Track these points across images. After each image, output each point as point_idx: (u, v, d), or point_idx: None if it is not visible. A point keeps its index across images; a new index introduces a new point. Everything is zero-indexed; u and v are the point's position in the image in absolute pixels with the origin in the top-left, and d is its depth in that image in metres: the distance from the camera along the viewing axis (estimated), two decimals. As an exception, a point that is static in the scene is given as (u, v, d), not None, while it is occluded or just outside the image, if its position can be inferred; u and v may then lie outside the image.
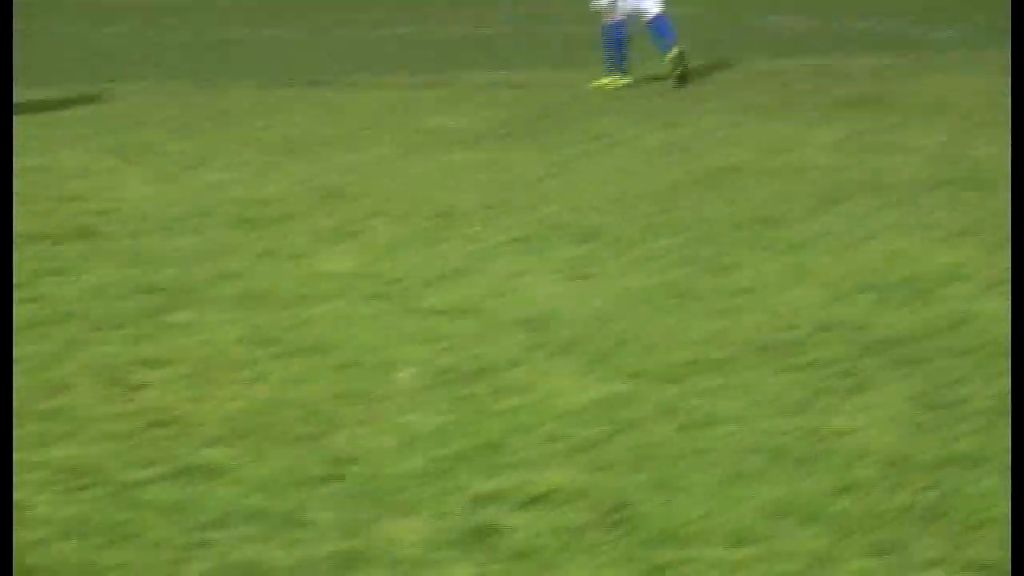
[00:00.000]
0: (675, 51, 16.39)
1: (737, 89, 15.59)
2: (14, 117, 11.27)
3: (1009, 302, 6.92)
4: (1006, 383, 5.65)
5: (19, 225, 9.00)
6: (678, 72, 16.15)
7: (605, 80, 16.25)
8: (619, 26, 16.75)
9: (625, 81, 16.39)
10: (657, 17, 16.95)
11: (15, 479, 4.78)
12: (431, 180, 10.53)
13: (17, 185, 10.32)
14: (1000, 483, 4.79)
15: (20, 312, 7.03)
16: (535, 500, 4.81)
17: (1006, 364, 6.09)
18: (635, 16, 16.55)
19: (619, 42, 16.75)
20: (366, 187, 10.24)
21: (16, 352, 6.33)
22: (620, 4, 16.72)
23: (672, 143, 12.01)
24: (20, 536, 4.47)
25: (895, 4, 29.31)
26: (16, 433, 5.18)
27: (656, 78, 16.32)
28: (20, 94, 15.49)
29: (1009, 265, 7.64)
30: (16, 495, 4.70)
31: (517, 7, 28.79)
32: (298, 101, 15.18)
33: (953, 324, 6.68)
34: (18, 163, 11.23)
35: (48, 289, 7.49)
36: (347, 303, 7.21)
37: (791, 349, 6.35)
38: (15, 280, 7.59)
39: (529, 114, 13.97)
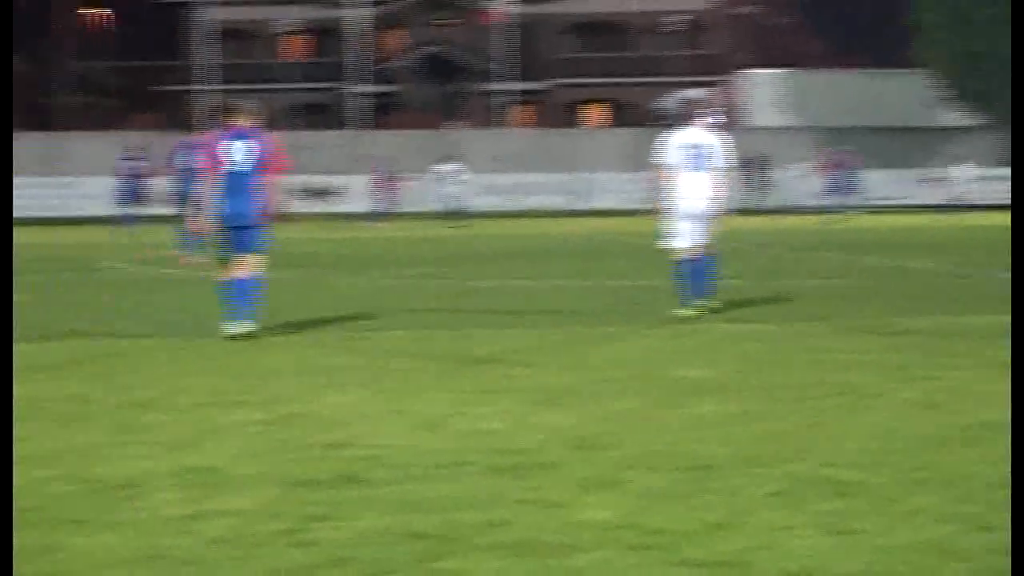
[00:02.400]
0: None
1: (985, 345, 15.42)
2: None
3: None
4: None
5: (289, 470, 9.23)
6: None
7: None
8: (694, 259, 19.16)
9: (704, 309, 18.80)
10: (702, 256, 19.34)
11: None
12: (684, 432, 10.54)
13: (285, 431, 10.62)
14: None
15: (295, 555, 7.19)
16: None
17: None
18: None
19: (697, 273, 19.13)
20: (620, 437, 10.29)
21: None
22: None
23: (924, 399, 11.91)
24: None
25: None
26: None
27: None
28: (282, 342, 15.96)
29: None
30: None
31: (764, 261, 28.88)
32: (547, 350, 15.37)
33: None
34: (285, 409, 11.57)
35: (321, 534, 7.62)
36: (611, 553, 7.22)
37: (1062, 611, 6.25)
38: (288, 525, 7.77)
39: (773, 366, 13.98)
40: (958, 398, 11.91)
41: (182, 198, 29.85)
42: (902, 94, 73.18)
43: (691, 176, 19.09)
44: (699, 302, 19.00)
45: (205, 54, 78.20)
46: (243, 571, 6.97)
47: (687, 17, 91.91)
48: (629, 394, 12.35)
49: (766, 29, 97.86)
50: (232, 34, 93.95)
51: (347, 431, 10.61)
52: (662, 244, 19.82)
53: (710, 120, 19.59)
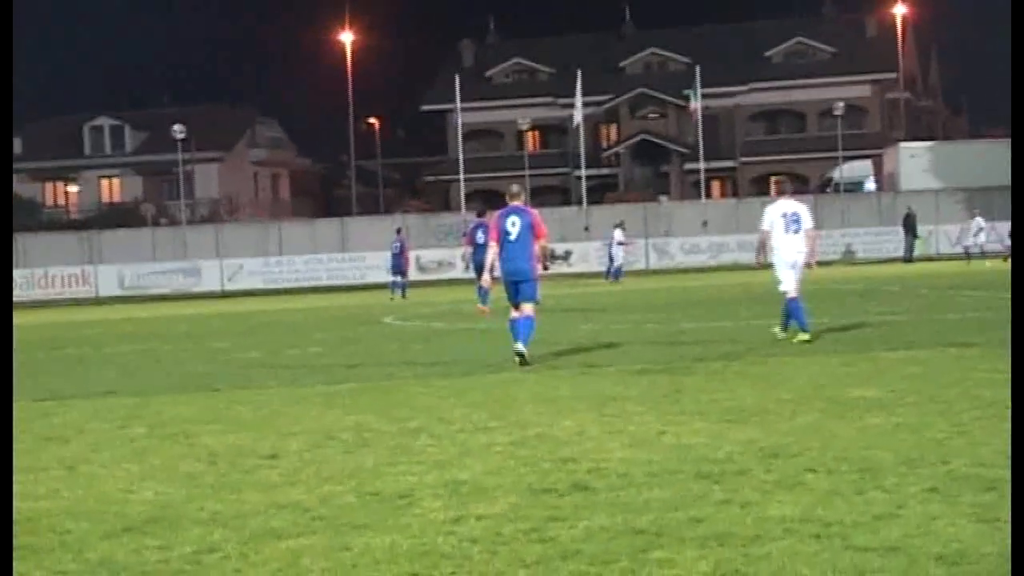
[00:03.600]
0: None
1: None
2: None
3: None
4: None
5: (531, 481, 9.23)
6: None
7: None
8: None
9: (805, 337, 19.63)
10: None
11: None
12: (854, 441, 10.35)
13: (526, 450, 10.64)
14: None
15: (536, 549, 7.18)
16: None
17: None
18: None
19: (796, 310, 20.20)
20: (801, 448, 10.14)
21: (532, 582, 6.49)
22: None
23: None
24: None
25: None
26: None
27: None
28: (523, 378, 16.02)
29: None
30: None
31: (918, 299, 28.31)
32: (739, 375, 15.23)
33: None
34: (525, 432, 11.59)
35: (556, 532, 7.60)
36: (793, 542, 7.10)
37: None
38: (530, 526, 7.77)
39: (928, 384, 13.69)
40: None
41: (478, 264, 30.52)
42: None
43: (787, 237, 20.50)
44: (793, 331, 20.09)
45: (460, 150, 79.06)
46: (494, 563, 6.98)
47: (851, 103, 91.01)
48: (808, 411, 12.18)
49: (915, 110, 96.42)
50: (481, 134, 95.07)
51: (576, 448, 10.60)
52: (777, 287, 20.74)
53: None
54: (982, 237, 57.64)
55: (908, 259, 61.03)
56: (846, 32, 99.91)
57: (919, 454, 9.60)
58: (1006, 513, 7.49)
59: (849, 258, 64.29)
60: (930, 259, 61.90)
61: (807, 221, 20.63)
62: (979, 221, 58.35)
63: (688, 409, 12.68)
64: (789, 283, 20.30)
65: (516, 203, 18.80)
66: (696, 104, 78.60)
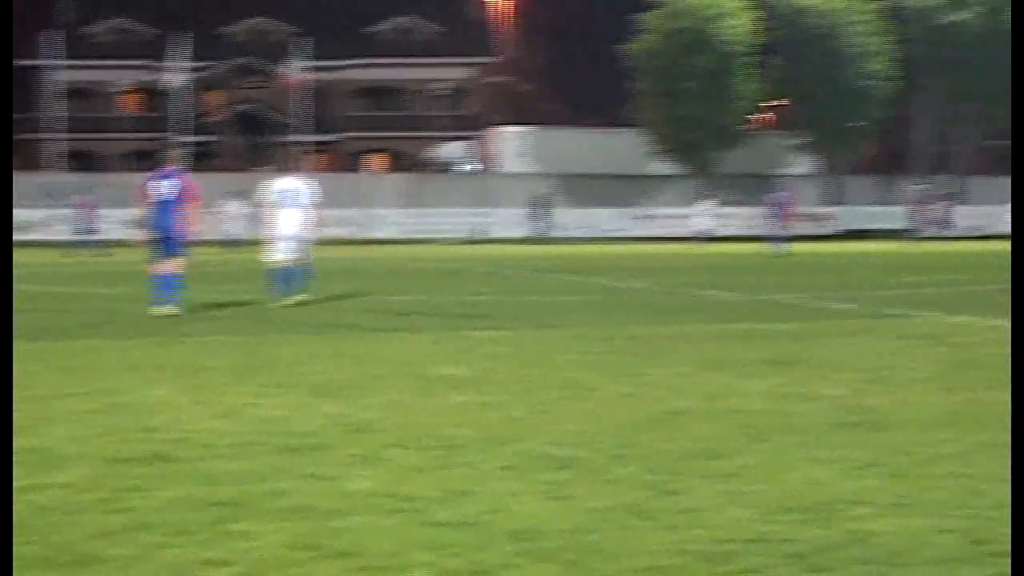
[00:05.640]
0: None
1: (682, 347, 15.71)
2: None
3: (908, 520, 6.99)
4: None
5: (105, 450, 9.07)
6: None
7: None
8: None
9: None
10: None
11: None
12: (439, 418, 10.56)
13: (108, 418, 10.42)
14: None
15: (110, 520, 7.06)
16: None
17: (900, 572, 6.13)
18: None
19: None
20: (386, 423, 10.28)
21: (105, 553, 6.38)
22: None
23: (631, 391, 12.07)
24: None
25: (801, 282, 29.72)
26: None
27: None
28: (109, 345, 15.64)
29: (908, 492, 7.71)
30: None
31: (506, 280, 29.03)
32: (333, 350, 15.30)
33: (857, 539, 6.70)
34: (112, 399, 11.36)
35: (132, 503, 7.50)
36: (372, 517, 7.20)
37: (727, 558, 6.36)
38: (106, 494, 7.64)
39: (513, 364, 14.07)
40: (657, 390, 12.09)
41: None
42: (624, 148, 74.07)
43: (286, 211, 23.10)
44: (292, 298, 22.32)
45: (53, 108, 76.50)
46: (67, 532, 6.82)
47: (451, 84, 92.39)
48: (395, 387, 12.35)
49: (516, 94, 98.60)
50: (78, 93, 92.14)
51: (162, 418, 10.46)
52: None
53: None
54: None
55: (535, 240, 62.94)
56: (453, 13, 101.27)
57: (500, 432, 9.87)
58: (578, 491, 7.81)
59: (476, 237, 65.08)
60: (538, 242, 63.41)
61: (307, 197, 23.24)
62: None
63: (279, 382, 12.66)
64: (282, 254, 22.84)
65: (169, 167, 21.10)
66: (300, 76, 78.35)
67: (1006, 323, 18.45)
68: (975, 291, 27.17)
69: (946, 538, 6.71)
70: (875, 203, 72.63)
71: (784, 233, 49.59)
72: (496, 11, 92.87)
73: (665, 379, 12.89)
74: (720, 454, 8.93)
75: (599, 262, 42.52)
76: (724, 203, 63.78)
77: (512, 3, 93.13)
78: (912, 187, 66.33)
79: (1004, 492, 7.60)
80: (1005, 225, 66.14)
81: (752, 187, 68.23)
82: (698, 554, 6.44)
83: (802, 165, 75.32)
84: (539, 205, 66.19)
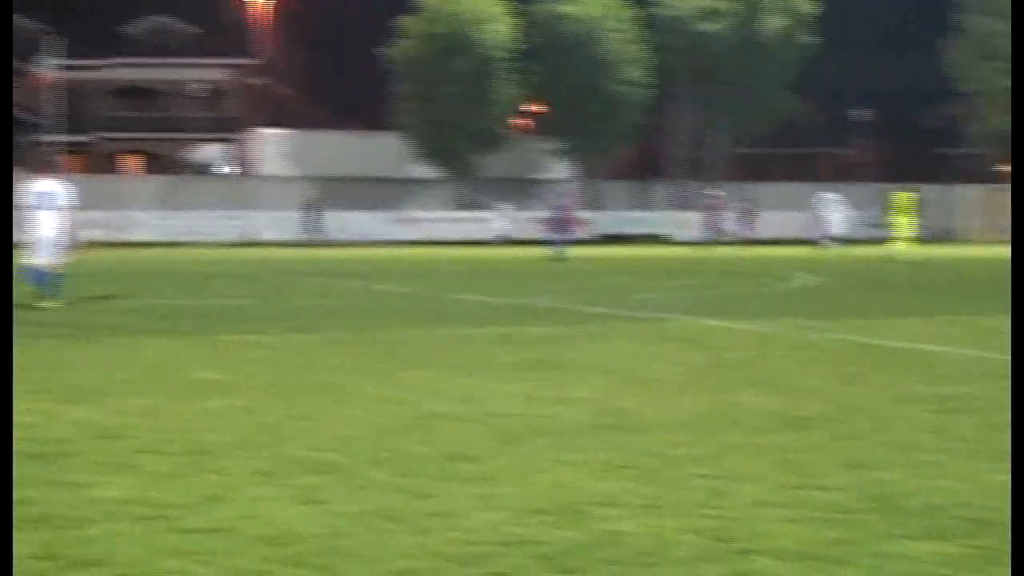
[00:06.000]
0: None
1: (441, 351, 15.78)
2: None
3: (657, 520, 7.13)
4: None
5: None
6: None
7: None
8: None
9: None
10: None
11: None
12: (192, 423, 10.42)
13: None
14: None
15: None
16: None
17: (649, 572, 6.26)
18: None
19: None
20: (136, 429, 10.10)
21: None
22: None
23: (388, 395, 12.07)
24: None
25: (563, 287, 30.15)
26: None
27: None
28: None
29: (658, 493, 7.86)
30: None
31: (266, 284, 28.79)
32: (83, 354, 14.97)
33: (607, 540, 6.81)
34: None
35: None
36: (120, 524, 7.07)
37: (480, 560, 6.41)
38: None
39: (272, 369, 13.96)
40: (414, 394, 12.11)
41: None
42: (385, 151, 73.98)
43: (43, 214, 23.03)
44: (51, 301, 22.19)
45: None
46: None
47: (208, 85, 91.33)
48: (147, 392, 12.14)
49: (276, 97, 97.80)
50: None
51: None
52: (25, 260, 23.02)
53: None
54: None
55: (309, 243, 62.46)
56: (211, 13, 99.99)
57: (255, 437, 9.78)
58: (332, 495, 7.78)
59: (247, 238, 64.20)
60: (282, 245, 62.96)
61: (64, 199, 23.21)
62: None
63: (29, 388, 12.25)
64: (41, 257, 22.75)
65: None
66: (52, 75, 76.51)
67: (760, 327, 18.99)
68: (735, 295, 27.88)
69: (693, 537, 6.87)
70: (632, 208, 73.90)
71: (564, 237, 50.17)
72: (255, 13, 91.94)
73: (422, 383, 12.92)
74: (474, 457, 8.99)
75: (362, 265, 42.44)
76: (474, 207, 64.22)
77: (272, 5, 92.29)
78: (707, 192, 67.47)
79: (749, 492, 7.83)
80: (774, 230, 67.97)
81: (511, 191, 68.92)
82: (451, 557, 6.48)
83: (561, 170, 76.23)
84: (311, 208, 65.77)
